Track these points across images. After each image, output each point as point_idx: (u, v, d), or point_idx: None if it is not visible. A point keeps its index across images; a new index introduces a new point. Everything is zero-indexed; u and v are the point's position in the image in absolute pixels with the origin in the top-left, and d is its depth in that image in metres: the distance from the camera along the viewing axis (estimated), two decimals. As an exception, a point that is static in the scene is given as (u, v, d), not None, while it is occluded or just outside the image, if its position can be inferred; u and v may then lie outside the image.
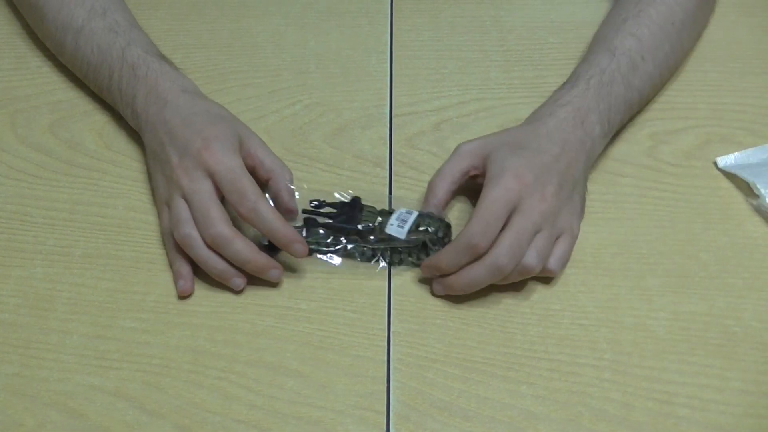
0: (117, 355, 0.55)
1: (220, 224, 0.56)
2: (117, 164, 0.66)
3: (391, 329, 0.57)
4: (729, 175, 0.65)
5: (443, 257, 0.56)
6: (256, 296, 0.58)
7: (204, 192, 0.56)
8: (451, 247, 0.56)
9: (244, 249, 0.56)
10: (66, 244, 0.61)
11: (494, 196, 0.55)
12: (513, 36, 0.77)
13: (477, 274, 0.55)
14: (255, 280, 0.58)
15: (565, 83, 0.65)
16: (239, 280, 0.57)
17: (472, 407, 0.52)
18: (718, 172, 0.66)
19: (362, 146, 0.68)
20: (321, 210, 0.61)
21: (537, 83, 0.72)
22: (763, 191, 0.62)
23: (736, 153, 0.66)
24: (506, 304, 0.58)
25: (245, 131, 0.61)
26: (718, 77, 0.73)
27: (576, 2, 0.80)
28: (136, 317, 0.57)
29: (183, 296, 0.58)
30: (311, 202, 0.61)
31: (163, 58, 0.66)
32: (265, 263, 0.57)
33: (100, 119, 0.69)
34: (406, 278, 0.59)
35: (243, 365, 0.54)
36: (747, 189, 0.64)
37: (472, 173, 0.61)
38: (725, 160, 0.66)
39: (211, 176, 0.57)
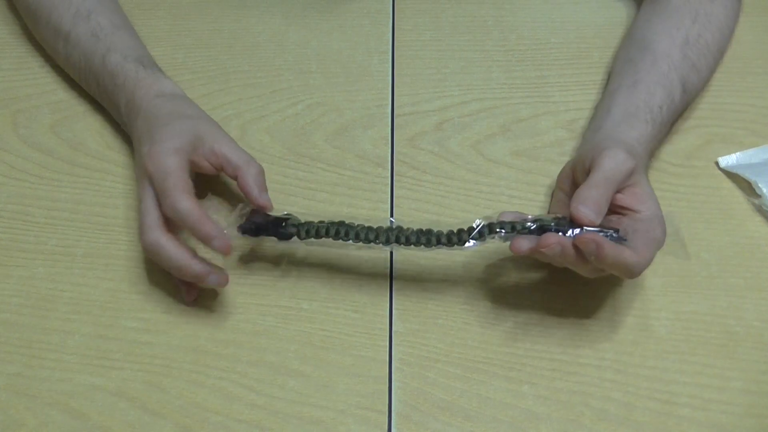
0: (119, 355, 0.55)
1: (152, 231, 0.53)
2: (119, 164, 0.66)
3: (393, 329, 0.57)
4: (730, 175, 0.65)
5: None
6: (257, 296, 0.58)
7: (146, 198, 0.55)
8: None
9: (177, 255, 0.53)
10: (68, 244, 0.61)
11: (611, 165, 0.53)
12: (514, 36, 0.77)
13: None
14: (256, 279, 0.58)
15: (627, 108, 0.61)
16: (215, 277, 0.54)
17: (473, 407, 0.53)
18: (719, 172, 0.66)
19: (364, 146, 0.68)
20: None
21: (539, 83, 0.72)
22: (764, 191, 0.62)
23: (737, 153, 0.66)
24: (508, 304, 0.58)
25: (209, 129, 0.59)
26: (720, 77, 0.73)
27: (578, 2, 0.80)
28: (137, 317, 0.57)
29: (189, 301, 0.57)
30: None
31: (139, 62, 0.64)
32: (201, 269, 0.53)
33: (101, 119, 0.69)
34: (407, 278, 0.59)
35: (244, 365, 0.54)
36: (748, 189, 0.64)
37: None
38: (727, 160, 0.66)
39: (149, 180, 0.55)
